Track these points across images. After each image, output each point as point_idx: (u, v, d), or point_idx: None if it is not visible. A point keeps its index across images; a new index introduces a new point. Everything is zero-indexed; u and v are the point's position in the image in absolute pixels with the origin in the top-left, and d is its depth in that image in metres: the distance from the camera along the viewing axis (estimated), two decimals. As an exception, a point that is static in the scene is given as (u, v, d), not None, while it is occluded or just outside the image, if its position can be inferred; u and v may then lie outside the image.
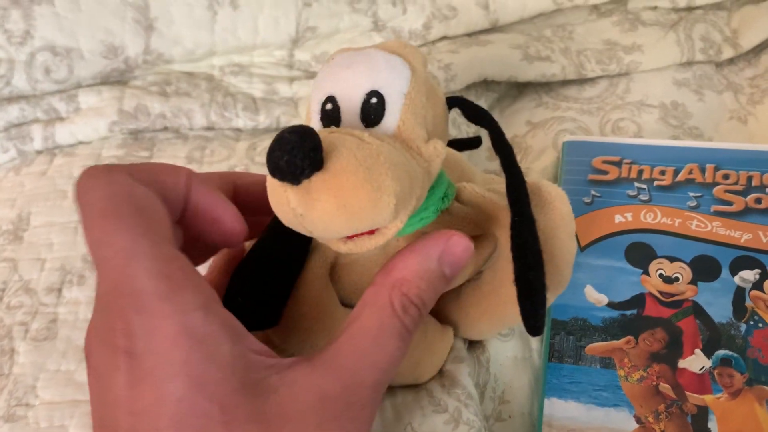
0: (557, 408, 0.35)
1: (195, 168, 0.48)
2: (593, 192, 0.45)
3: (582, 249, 0.42)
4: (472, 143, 0.44)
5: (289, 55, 0.55)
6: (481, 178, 0.41)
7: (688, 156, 0.45)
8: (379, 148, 0.28)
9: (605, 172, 0.46)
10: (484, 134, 0.39)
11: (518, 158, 0.50)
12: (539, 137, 0.51)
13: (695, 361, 0.36)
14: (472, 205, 0.34)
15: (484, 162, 0.51)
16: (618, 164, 0.46)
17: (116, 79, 0.55)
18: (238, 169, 0.49)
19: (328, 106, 0.31)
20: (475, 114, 0.35)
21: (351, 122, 0.31)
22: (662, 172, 0.45)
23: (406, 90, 0.31)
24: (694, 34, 0.55)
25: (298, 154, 0.26)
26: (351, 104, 0.31)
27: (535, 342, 0.39)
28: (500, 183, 0.38)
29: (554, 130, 0.51)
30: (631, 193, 0.44)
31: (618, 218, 0.43)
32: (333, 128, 0.30)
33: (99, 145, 0.51)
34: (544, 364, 0.37)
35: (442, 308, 0.38)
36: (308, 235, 0.29)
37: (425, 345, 0.35)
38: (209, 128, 0.52)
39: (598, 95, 0.53)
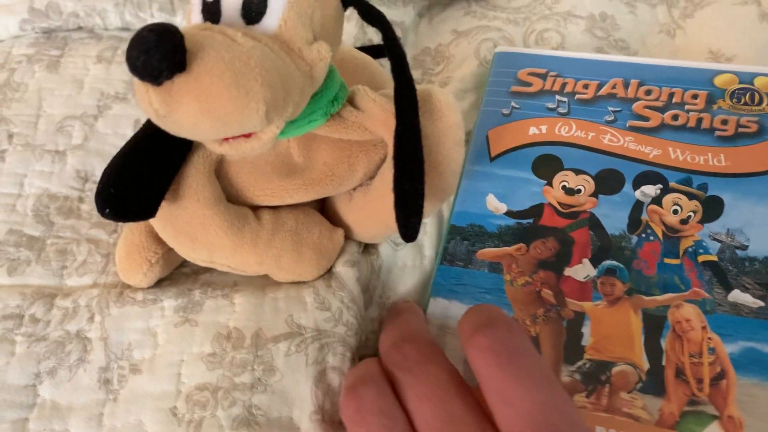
0: (440, 307, 0.36)
1: (104, 67, 0.47)
2: (513, 104, 0.44)
3: (491, 159, 0.41)
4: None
5: (212, -47, 0.53)
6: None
7: (614, 70, 0.45)
8: (250, 50, 0.27)
9: (528, 84, 0.45)
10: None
11: (440, 67, 0.50)
12: (462, 46, 0.50)
13: (581, 270, 0.36)
14: (364, 109, 0.34)
15: (407, 71, 0.50)
16: (543, 77, 0.45)
17: (31, -25, 0.52)
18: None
19: None
20: (369, 14, 0.34)
21: (231, 18, 0.30)
22: (586, 86, 0.44)
23: None
24: (635, -56, 0.53)
25: (155, 54, 0.25)
26: None
27: (428, 249, 0.39)
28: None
29: (478, 39, 0.50)
30: (551, 105, 0.44)
31: (532, 130, 0.42)
32: (207, 25, 0.29)
33: (9, 43, 0.49)
34: (436, 266, 0.38)
35: (336, 210, 0.38)
36: (176, 135, 0.28)
37: (312, 243, 0.36)
38: (125, 29, 0.50)
39: (527, 5, 0.52)
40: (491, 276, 0.37)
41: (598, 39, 0.50)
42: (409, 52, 0.52)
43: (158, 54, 0.25)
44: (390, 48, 0.34)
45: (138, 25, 0.50)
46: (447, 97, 0.35)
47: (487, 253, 0.38)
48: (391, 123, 0.32)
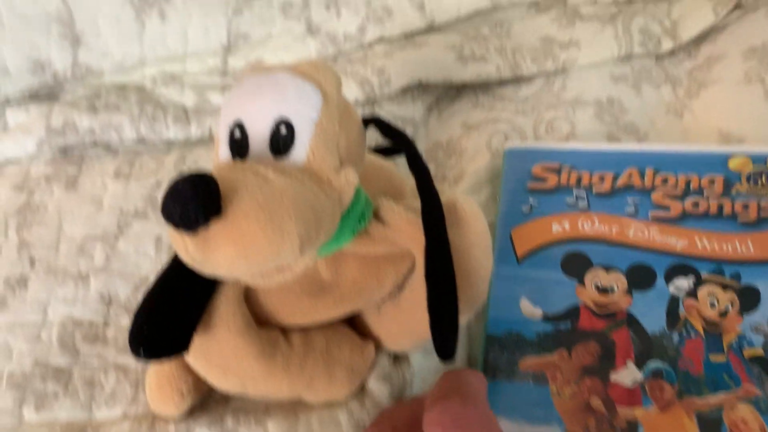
0: None
1: (122, 183, 0.47)
2: (532, 201, 0.44)
3: (519, 261, 0.41)
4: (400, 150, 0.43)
5: (223, 62, 0.54)
6: (411, 186, 0.41)
7: (627, 159, 0.45)
8: (283, 188, 0.27)
9: (544, 180, 0.45)
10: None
11: (452, 161, 0.50)
12: (473, 139, 0.50)
13: (627, 375, 0.35)
14: (390, 223, 0.34)
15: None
16: (557, 171, 0.45)
17: (46, 93, 0.53)
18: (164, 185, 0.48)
19: (237, 133, 0.31)
20: (390, 133, 0.34)
21: (260, 151, 0.30)
22: (602, 178, 0.44)
23: (316, 118, 0.30)
24: (633, 27, 0.54)
25: (191, 206, 0.25)
26: (259, 132, 0.30)
27: (460, 352, 0.38)
28: None
29: (488, 132, 0.50)
30: (570, 200, 0.43)
31: (555, 227, 0.42)
32: (237, 162, 0.30)
33: (27, 162, 0.50)
34: None
35: (365, 322, 0.37)
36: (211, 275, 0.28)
37: (344, 362, 0.35)
38: (141, 141, 0.51)
39: (534, 94, 0.53)
40: (537, 388, 0.36)
41: (607, 124, 0.50)
42: (421, 147, 0.52)
43: (195, 206, 0.25)
44: (413, 164, 0.34)
45: (153, 137, 0.50)
46: (472, 207, 0.35)
47: (530, 363, 0.37)
48: (419, 236, 0.32)
